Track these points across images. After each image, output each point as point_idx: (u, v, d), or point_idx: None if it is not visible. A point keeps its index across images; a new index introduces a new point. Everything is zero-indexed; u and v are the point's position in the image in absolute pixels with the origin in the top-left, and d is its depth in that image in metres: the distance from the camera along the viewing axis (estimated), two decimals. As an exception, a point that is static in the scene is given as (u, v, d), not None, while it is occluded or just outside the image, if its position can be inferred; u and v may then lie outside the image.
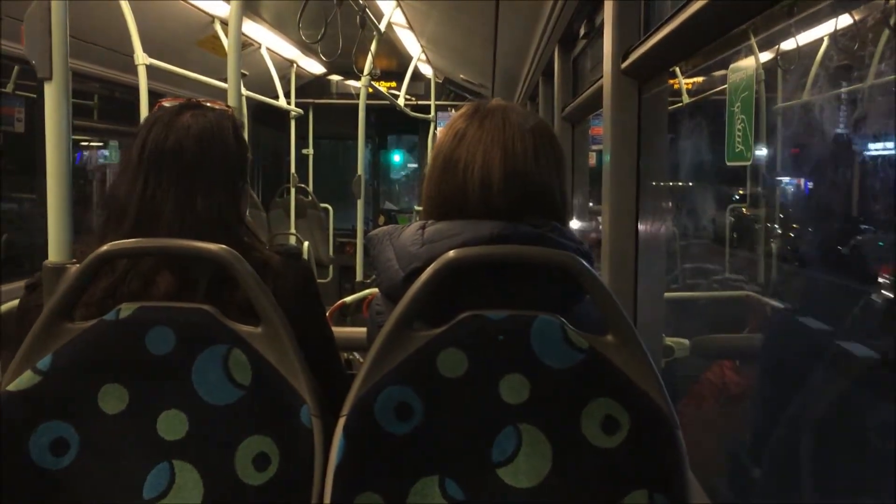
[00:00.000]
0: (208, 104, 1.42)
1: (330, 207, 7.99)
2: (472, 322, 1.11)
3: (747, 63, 1.35)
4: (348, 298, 3.71)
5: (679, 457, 1.10)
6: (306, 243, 7.03)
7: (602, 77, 2.07)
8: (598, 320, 1.15)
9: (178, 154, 1.32)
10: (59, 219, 1.48)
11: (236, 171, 1.39)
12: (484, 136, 1.25)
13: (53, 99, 1.45)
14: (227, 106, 1.45)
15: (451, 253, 1.12)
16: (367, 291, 3.68)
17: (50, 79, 1.43)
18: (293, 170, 7.34)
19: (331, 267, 7.76)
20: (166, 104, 1.40)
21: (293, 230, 7.17)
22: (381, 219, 9.13)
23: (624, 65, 1.84)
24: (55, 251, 1.47)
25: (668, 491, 1.09)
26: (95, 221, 1.37)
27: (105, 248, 1.17)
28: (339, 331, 1.61)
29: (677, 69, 3.63)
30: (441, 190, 1.27)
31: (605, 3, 1.98)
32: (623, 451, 1.10)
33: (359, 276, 5.34)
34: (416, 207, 8.29)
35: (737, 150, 1.31)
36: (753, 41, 2.10)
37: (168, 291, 1.27)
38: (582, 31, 2.96)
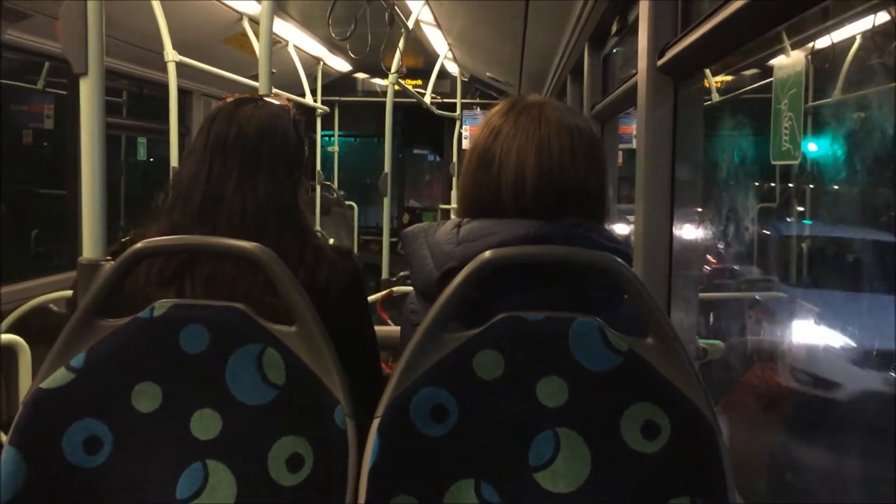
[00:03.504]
0: (269, 98, 1.48)
1: (355, 205, 8.00)
2: (509, 323, 1.09)
3: (794, 60, 1.31)
4: (370, 298, 3.69)
5: (721, 463, 1.07)
6: (331, 240, 7.04)
7: (635, 74, 2.03)
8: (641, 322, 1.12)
9: (241, 140, 1.38)
10: (93, 215, 1.48)
11: (295, 161, 1.44)
12: (519, 134, 1.22)
13: (89, 95, 1.46)
14: (288, 101, 1.50)
15: (487, 253, 1.10)
16: (379, 294, 3.62)
17: (86, 74, 1.43)
18: (318, 167, 7.36)
19: (354, 257, 7.75)
20: (230, 99, 1.47)
21: (318, 227, 7.18)
22: (406, 217, 9.13)
23: (660, 62, 1.81)
24: (89, 248, 1.47)
25: (711, 498, 1.06)
26: (154, 207, 1.43)
27: (140, 245, 1.16)
28: None
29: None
30: (475, 187, 1.25)
31: (641, -1, 1.95)
32: (664, 456, 1.07)
33: (384, 274, 5.34)
34: (441, 206, 8.28)
35: (784, 149, 1.28)
36: (787, 43, 2.06)
37: (229, 273, 1.32)
38: (614, 29, 2.93)
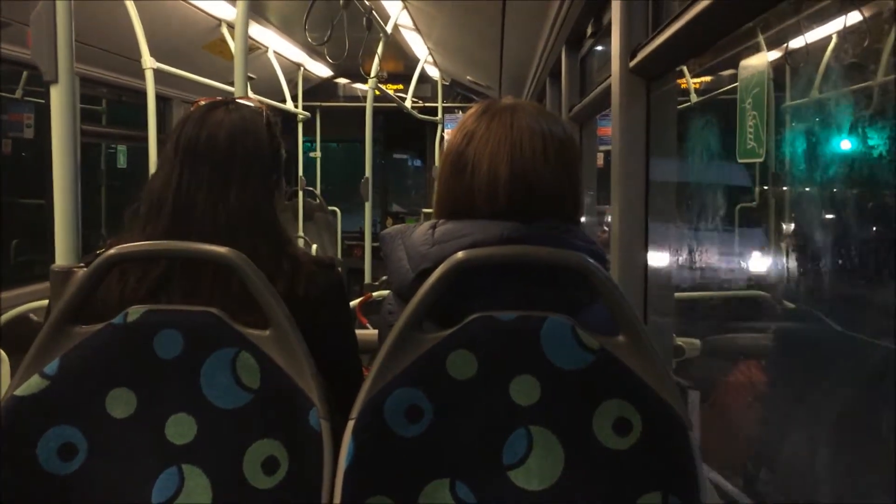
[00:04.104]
0: (241, 101, 1.43)
1: (338, 210, 8.00)
2: (482, 323, 1.10)
3: (758, 59, 1.33)
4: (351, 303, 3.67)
5: (692, 458, 1.08)
6: (314, 246, 7.04)
7: (610, 76, 2.05)
8: (611, 320, 1.14)
9: (211, 147, 1.34)
10: (66, 222, 1.47)
11: (270, 166, 1.40)
12: (491, 137, 1.23)
13: (59, 102, 1.45)
14: (261, 104, 1.46)
15: (460, 254, 1.11)
16: (357, 301, 3.60)
17: (56, 82, 1.43)
18: (301, 173, 7.35)
19: (338, 269, 7.74)
20: (202, 103, 1.42)
21: (301, 233, 7.17)
22: (389, 221, 9.13)
23: (632, 63, 1.83)
24: (62, 255, 1.47)
25: (683, 493, 1.07)
26: (127, 216, 1.38)
27: (113, 251, 1.16)
28: None
29: (685, 68, 3.61)
30: (450, 190, 1.26)
31: (613, 1, 1.96)
32: (636, 452, 1.08)
33: (367, 279, 5.35)
34: (425, 210, 8.29)
35: (748, 147, 1.30)
36: (761, 38, 2.09)
37: (206, 290, 1.28)
38: (589, 31, 2.95)
